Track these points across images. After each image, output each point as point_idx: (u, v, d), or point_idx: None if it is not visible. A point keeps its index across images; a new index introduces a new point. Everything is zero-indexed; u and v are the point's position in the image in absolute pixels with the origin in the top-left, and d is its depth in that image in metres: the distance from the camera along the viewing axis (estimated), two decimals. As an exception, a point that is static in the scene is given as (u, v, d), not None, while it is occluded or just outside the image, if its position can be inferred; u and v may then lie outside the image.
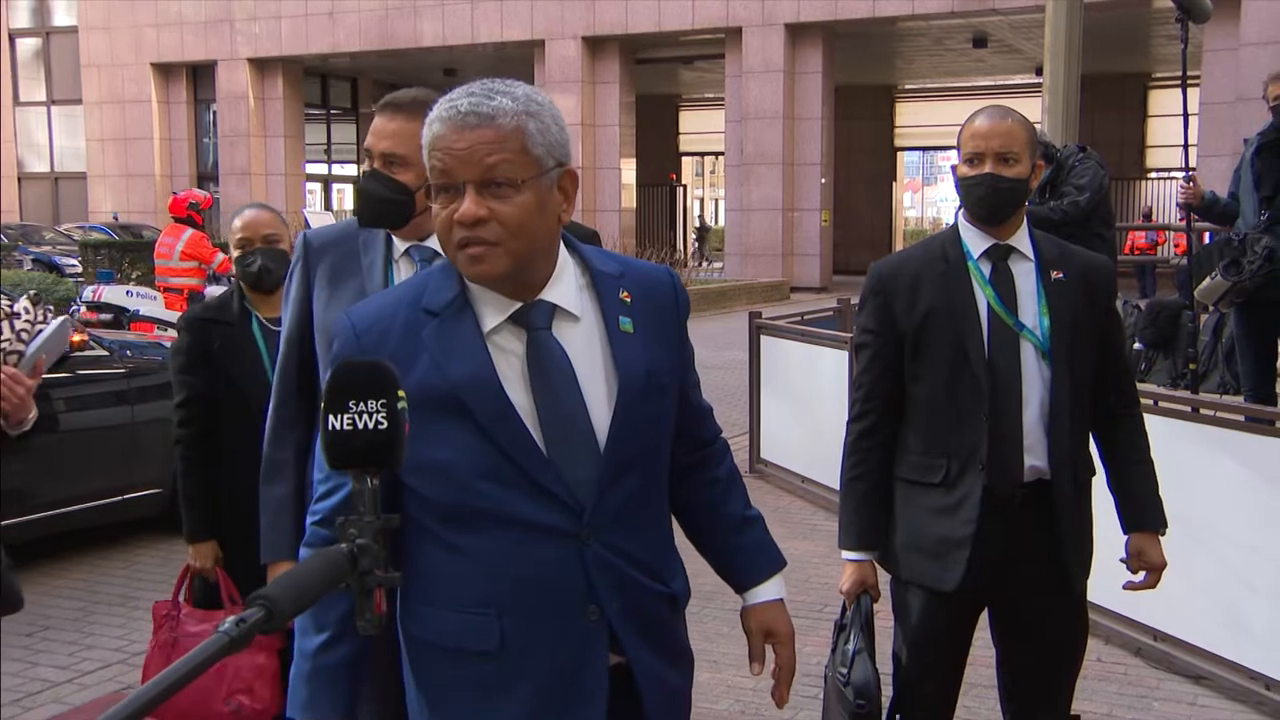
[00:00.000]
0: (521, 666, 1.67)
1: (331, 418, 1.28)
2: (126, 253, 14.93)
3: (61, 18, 31.43)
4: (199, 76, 29.22)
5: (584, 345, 1.70)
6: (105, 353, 6.08)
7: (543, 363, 1.67)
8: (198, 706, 3.04)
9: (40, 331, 2.64)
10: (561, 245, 1.73)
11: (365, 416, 1.27)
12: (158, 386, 6.15)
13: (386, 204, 2.27)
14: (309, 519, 1.75)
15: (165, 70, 29.11)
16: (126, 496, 6.00)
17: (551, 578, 1.66)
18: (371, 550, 1.22)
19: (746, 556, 1.96)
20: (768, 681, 3.81)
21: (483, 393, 1.63)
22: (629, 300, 1.75)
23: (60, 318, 2.68)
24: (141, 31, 28.70)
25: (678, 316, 1.82)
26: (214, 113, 29.08)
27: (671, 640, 1.81)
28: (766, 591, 1.95)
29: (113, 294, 10.37)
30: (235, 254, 3.34)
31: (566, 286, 1.71)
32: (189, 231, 9.61)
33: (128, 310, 9.98)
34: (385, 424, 1.27)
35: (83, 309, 10.17)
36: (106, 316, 9.86)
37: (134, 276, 13.68)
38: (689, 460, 1.92)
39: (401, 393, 1.29)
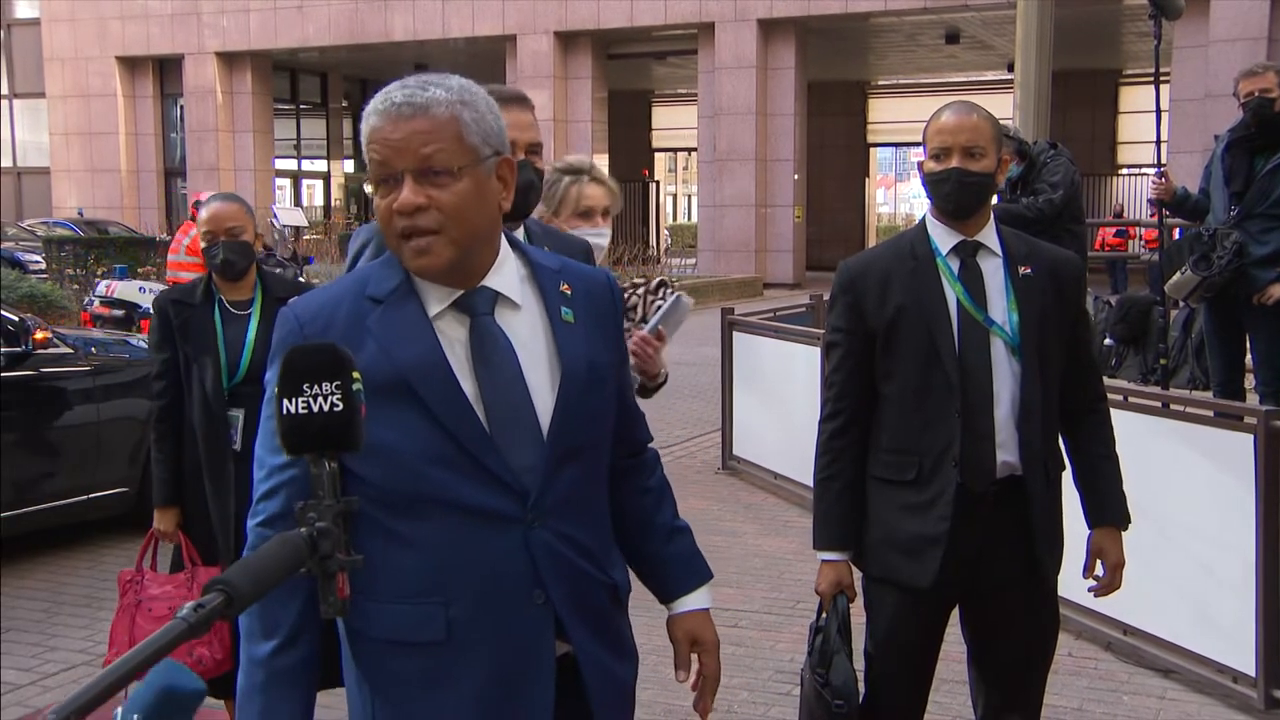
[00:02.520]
0: (468, 656, 1.67)
1: (286, 402, 1.27)
2: (91, 249, 14.74)
3: (24, 10, 31.07)
4: (166, 70, 28.94)
5: (527, 333, 1.72)
6: (69, 350, 6.02)
7: (486, 348, 1.68)
8: None
9: (659, 307, 2.99)
10: (502, 239, 1.76)
11: (320, 399, 1.27)
12: (123, 384, 6.10)
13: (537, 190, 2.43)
14: (251, 520, 1.71)
15: (131, 64, 28.81)
16: (92, 495, 5.93)
17: (498, 563, 1.66)
18: (332, 534, 1.21)
19: (676, 567, 1.97)
20: (741, 678, 3.82)
21: (431, 376, 1.64)
22: (569, 293, 1.78)
23: (678, 294, 2.97)
24: (106, 24, 28.40)
25: (615, 316, 1.86)
26: (181, 107, 28.82)
27: (615, 630, 1.83)
28: (694, 601, 1.96)
29: (125, 290, 10.37)
30: (202, 245, 3.57)
31: (508, 275, 1.74)
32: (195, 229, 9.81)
33: (140, 306, 9.92)
34: (341, 406, 1.27)
35: (96, 303, 10.06)
36: (119, 313, 9.83)
37: (98, 272, 13.54)
38: (622, 465, 1.92)
39: (356, 374, 1.29)
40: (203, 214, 3.55)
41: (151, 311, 3.64)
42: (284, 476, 1.66)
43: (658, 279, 3.21)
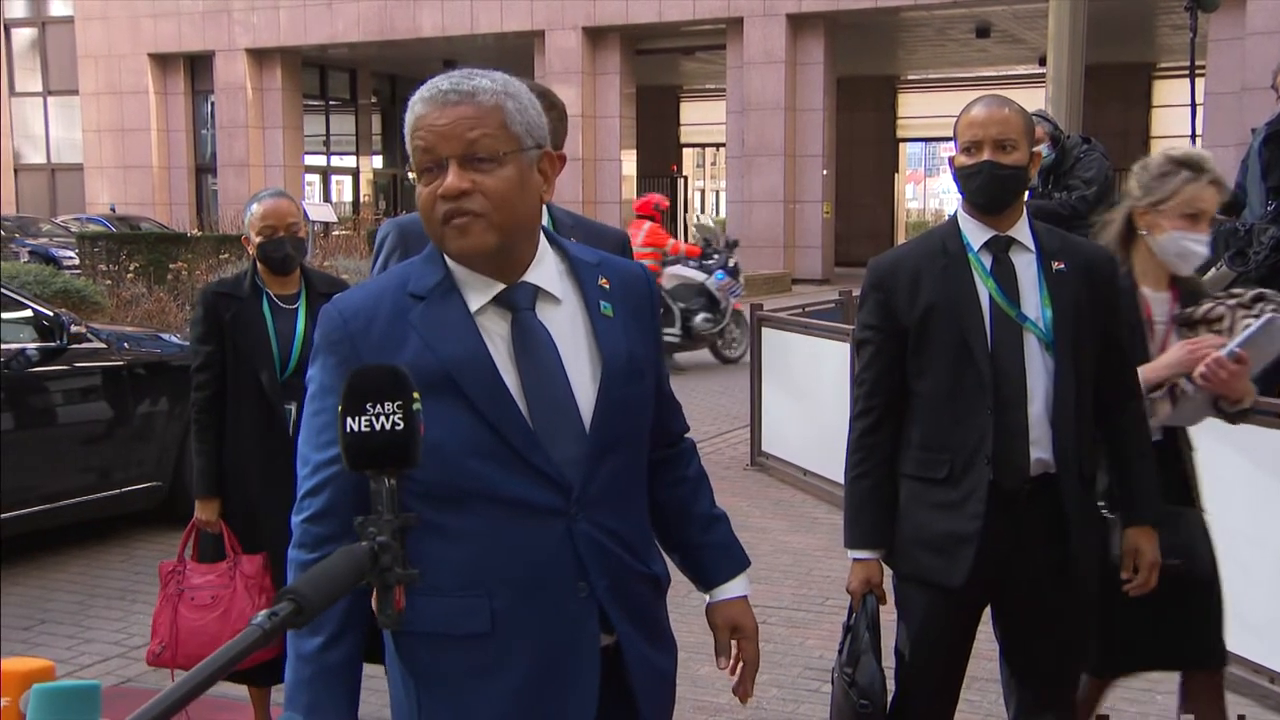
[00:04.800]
0: (513, 647, 1.69)
1: (349, 420, 1.32)
2: (124, 245, 14.84)
3: (58, 8, 31.37)
4: (197, 67, 29.17)
5: (567, 327, 1.74)
6: (103, 345, 6.08)
7: (528, 343, 1.70)
8: (206, 649, 3.40)
9: (1247, 325, 2.70)
10: (541, 235, 1.78)
11: (382, 418, 1.31)
12: (156, 379, 6.15)
13: None
14: (296, 515, 1.75)
15: (163, 61, 29.05)
16: (124, 490, 5.99)
17: (542, 556, 1.68)
18: (391, 548, 1.27)
19: (715, 555, 1.99)
20: (771, 675, 3.81)
21: (476, 371, 1.67)
22: (607, 286, 1.80)
23: (1269, 315, 2.67)
24: (139, 22, 28.65)
25: (652, 308, 1.88)
26: (212, 104, 29.03)
27: (656, 621, 1.85)
28: (733, 588, 1.98)
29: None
30: (257, 240, 3.58)
31: (548, 270, 1.76)
32: (648, 224, 12.17)
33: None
34: (401, 425, 1.31)
35: None
36: None
37: (132, 268, 13.65)
38: (660, 455, 1.95)
39: (416, 394, 1.32)
40: (258, 209, 3.58)
41: (196, 304, 3.67)
42: (329, 472, 1.68)
43: (1254, 291, 2.84)
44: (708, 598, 1.99)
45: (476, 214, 1.64)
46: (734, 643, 1.98)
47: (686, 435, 2.05)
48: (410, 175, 1.75)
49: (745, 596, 1.99)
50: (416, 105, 1.66)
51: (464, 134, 1.63)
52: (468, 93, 1.64)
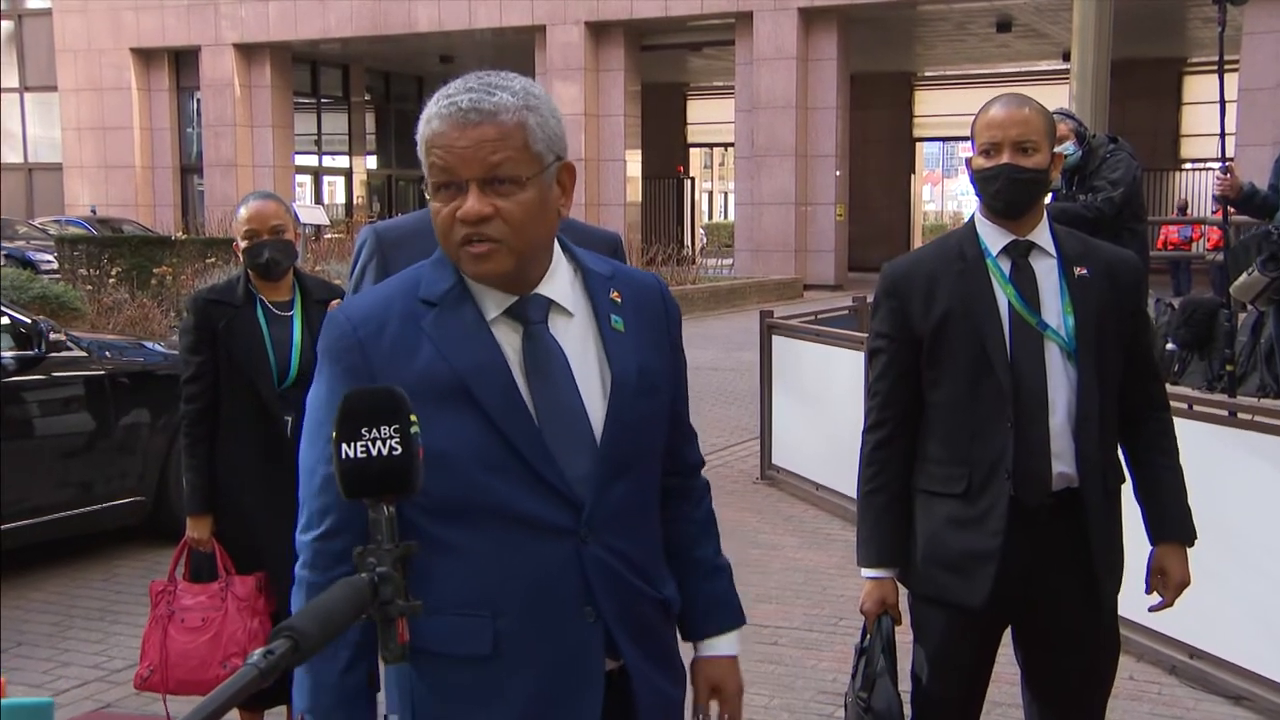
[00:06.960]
0: (516, 670, 1.69)
1: (345, 446, 1.31)
2: (105, 248, 14.88)
3: (35, 0, 31.51)
4: (182, 62, 29.25)
5: (578, 341, 1.75)
6: (84, 354, 6.09)
7: (539, 356, 1.72)
8: (195, 673, 3.44)
9: None
10: (556, 245, 1.79)
11: (379, 443, 1.31)
12: (138, 390, 6.17)
13: None
14: (305, 534, 1.74)
15: (146, 56, 29.14)
16: (106, 505, 6.00)
17: (549, 576, 1.69)
18: (392, 579, 1.26)
19: (709, 606, 1.96)
20: (782, 699, 3.82)
21: (490, 381, 1.68)
22: (619, 300, 1.80)
23: None
24: (120, 14, 28.74)
25: (668, 325, 1.87)
26: (198, 101, 29.11)
27: (664, 647, 1.85)
28: (722, 645, 1.96)
29: None
30: (243, 244, 3.58)
31: (561, 283, 1.77)
32: None
33: None
34: (399, 450, 1.31)
35: None
36: None
37: (113, 273, 13.69)
38: (670, 485, 1.94)
39: (414, 417, 1.32)
40: (243, 213, 3.57)
41: (186, 311, 3.65)
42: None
43: None
44: (694, 651, 1.96)
45: (496, 240, 1.65)
46: (715, 704, 1.95)
47: (701, 473, 2.03)
48: (426, 192, 1.74)
49: (734, 657, 1.96)
50: (434, 121, 1.66)
51: (486, 157, 1.63)
52: (489, 112, 1.63)
